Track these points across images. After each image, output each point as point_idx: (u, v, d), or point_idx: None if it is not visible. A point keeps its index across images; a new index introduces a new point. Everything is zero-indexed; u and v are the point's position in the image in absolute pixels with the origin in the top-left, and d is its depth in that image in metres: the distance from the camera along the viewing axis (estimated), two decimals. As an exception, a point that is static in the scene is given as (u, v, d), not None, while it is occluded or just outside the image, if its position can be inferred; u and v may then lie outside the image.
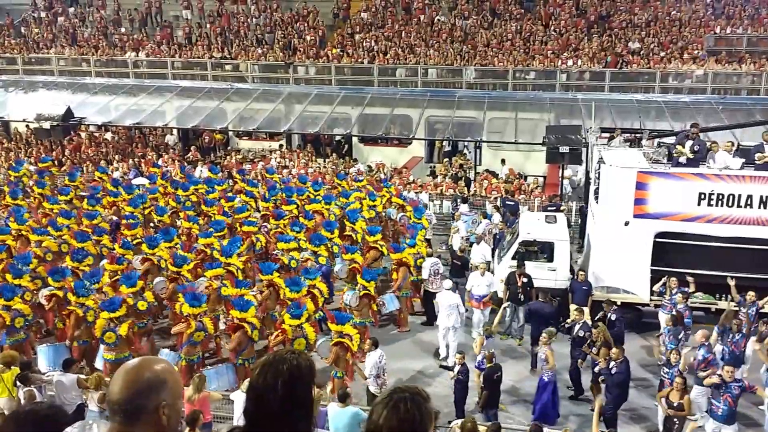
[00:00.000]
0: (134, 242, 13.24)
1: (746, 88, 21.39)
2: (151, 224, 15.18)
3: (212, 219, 14.51)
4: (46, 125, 21.77)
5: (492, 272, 12.48)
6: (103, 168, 19.40)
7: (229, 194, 16.49)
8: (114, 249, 13.00)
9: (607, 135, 15.16)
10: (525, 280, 11.82)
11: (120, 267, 11.94)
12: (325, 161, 21.57)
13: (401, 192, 16.95)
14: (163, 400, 1.94)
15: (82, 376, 8.65)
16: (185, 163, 20.70)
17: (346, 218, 14.46)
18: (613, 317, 10.83)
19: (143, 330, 10.90)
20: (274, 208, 15.10)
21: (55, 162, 21.23)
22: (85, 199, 15.88)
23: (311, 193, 16.12)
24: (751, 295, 10.90)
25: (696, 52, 21.94)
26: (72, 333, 10.48)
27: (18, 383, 8.45)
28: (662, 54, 22.02)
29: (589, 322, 10.63)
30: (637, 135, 14.41)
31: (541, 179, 20.14)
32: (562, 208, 15.86)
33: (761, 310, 10.78)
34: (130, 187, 16.80)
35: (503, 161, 20.66)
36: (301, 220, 14.35)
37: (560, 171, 19.30)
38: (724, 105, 20.22)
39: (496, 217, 15.41)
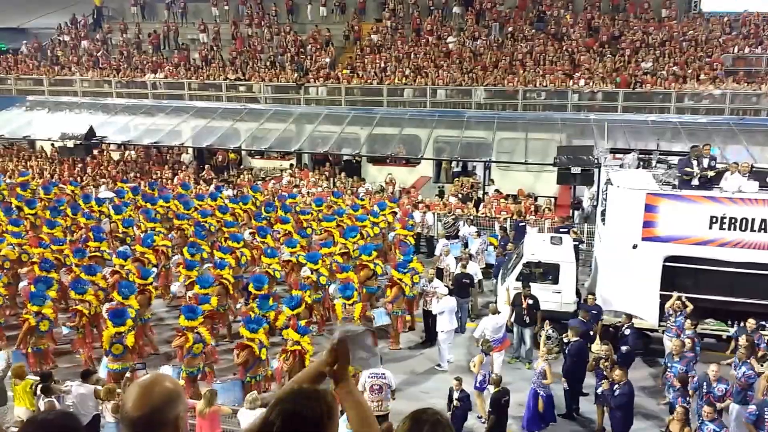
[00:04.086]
0: (92, 254, 13.43)
1: (765, 108, 20.64)
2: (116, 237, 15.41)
3: (186, 233, 14.66)
4: (70, 144, 22.30)
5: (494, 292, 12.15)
6: (76, 182, 19.88)
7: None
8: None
9: (620, 156, 14.74)
10: (530, 302, 11.42)
11: (93, 278, 12.06)
12: (334, 180, 21.53)
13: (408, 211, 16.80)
14: (179, 412, 2.01)
15: (99, 387, 8.76)
16: (153, 179, 21.21)
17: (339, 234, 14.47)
18: (627, 331, 10.51)
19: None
20: (266, 225, 15.30)
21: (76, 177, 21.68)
22: (48, 211, 16.34)
23: (314, 210, 16.13)
24: (751, 322, 10.49)
25: (716, 70, 21.33)
26: (22, 340, 10.71)
27: (39, 393, 8.61)
28: (678, 73, 21.46)
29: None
30: (651, 156, 13.96)
31: (552, 200, 19.67)
32: (574, 229, 15.44)
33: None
34: (98, 200, 17.33)
35: (492, 181, 20.19)
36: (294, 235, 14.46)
37: (572, 191, 18.89)
38: (743, 126, 19.58)
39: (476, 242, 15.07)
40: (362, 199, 17.39)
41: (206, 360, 10.27)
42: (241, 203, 17.37)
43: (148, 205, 16.77)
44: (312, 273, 12.49)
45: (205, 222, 15.54)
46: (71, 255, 13.31)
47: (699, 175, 11.38)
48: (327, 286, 12.77)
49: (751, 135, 18.94)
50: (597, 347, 11.15)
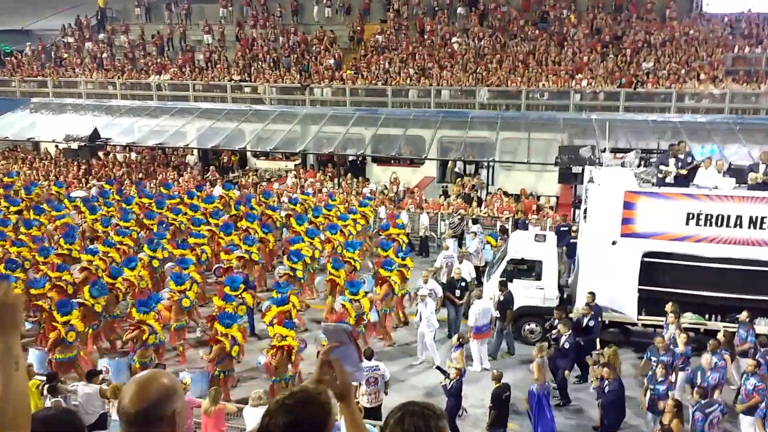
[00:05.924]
0: (61, 251, 14.65)
1: (765, 108, 22.00)
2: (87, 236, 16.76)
3: (153, 231, 16.24)
4: (74, 145, 23.94)
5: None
6: (60, 183, 21.48)
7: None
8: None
9: (621, 155, 16.13)
10: (501, 298, 12.43)
11: (61, 274, 13.19)
12: (339, 180, 23.15)
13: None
14: (176, 407, 2.14)
15: (105, 387, 9.25)
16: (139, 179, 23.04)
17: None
18: (591, 323, 11.75)
19: (94, 333, 12.38)
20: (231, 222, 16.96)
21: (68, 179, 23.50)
22: (31, 210, 17.91)
23: (290, 209, 17.79)
24: (743, 316, 11.68)
25: (716, 71, 22.72)
26: None
27: (46, 393, 9.06)
28: (678, 72, 22.84)
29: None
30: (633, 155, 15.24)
31: (553, 199, 21.16)
32: (574, 228, 16.84)
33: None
34: (70, 198, 18.91)
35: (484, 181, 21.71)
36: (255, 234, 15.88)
37: (573, 190, 20.29)
38: (742, 125, 20.93)
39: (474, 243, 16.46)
40: (335, 199, 18.88)
41: (157, 352, 11.26)
42: (205, 202, 18.74)
43: (124, 205, 18.34)
44: (290, 270, 13.66)
45: (175, 220, 17.02)
46: (36, 254, 14.42)
47: (675, 173, 12.77)
48: (302, 281, 14.24)
49: (750, 134, 20.28)
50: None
